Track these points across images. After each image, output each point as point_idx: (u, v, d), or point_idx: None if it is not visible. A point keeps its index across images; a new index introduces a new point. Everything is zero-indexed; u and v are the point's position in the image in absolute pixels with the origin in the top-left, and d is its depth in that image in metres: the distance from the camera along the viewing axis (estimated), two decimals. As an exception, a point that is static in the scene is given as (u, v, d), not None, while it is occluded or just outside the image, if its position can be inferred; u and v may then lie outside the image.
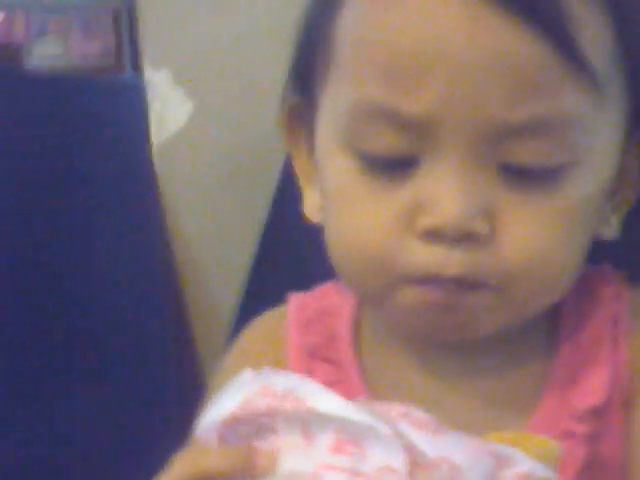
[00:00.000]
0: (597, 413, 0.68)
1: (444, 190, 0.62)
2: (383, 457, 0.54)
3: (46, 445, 1.02)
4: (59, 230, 1.04)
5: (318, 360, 0.73)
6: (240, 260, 0.97)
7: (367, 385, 0.72)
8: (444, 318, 0.66)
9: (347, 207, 0.66)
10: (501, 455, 0.55)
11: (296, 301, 0.75)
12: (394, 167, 0.63)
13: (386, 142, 0.63)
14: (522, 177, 0.63)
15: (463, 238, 0.63)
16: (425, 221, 0.62)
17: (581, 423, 0.67)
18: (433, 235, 0.62)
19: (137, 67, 1.11)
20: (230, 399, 0.59)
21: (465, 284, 0.64)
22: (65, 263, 1.04)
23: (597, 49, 0.62)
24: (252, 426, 0.58)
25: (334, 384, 0.70)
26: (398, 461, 0.54)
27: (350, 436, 0.55)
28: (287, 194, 0.87)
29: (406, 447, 0.54)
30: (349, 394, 0.66)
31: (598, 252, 0.70)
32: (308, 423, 0.57)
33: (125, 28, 2.51)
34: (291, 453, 0.56)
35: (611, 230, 0.69)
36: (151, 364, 1.03)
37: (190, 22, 1.03)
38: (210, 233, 1.04)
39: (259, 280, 0.94)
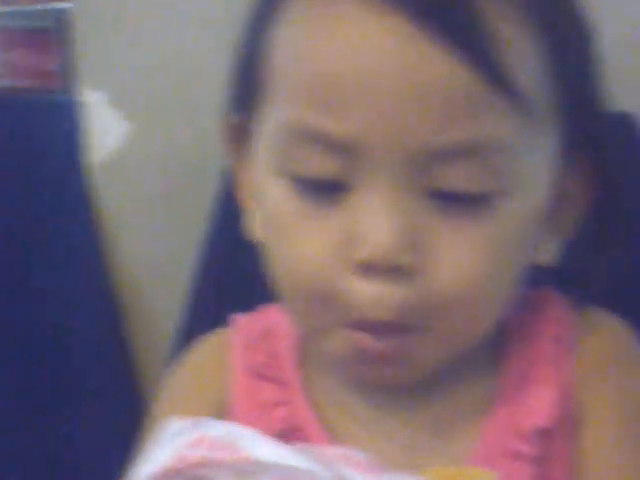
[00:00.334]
0: (544, 434, 0.68)
1: (373, 221, 0.61)
2: None
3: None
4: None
5: (263, 380, 0.73)
6: (180, 280, 0.96)
7: (312, 405, 0.72)
8: (377, 368, 0.66)
9: (284, 235, 0.65)
10: None
11: (239, 323, 0.75)
12: (327, 192, 0.63)
13: (317, 166, 0.62)
14: (452, 204, 0.62)
15: (394, 270, 0.61)
16: (357, 253, 0.61)
17: (527, 444, 0.68)
18: (365, 269, 0.61)
19: (74, 87, 1.09)
20: (163, 450, 0.58)
21: (398, 323, 0.63)
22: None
23: (528, 75, 0.62)
24: (187, 478, 0.56)
25: (280, 404, 0.71)
26: None
27: None
28: (226, 213, 0.88)
29: None
30: (295, 414, 0.71)
31: (544, 274, 0.70)
32: (245, 472, 0.56)
33: (63, 47, 2.47)
34: None
35: (548, 256, 0.70)
36: (95, 389, 1.03)
37: (127, 43, 1.03)
38: (149, 253, 1.03)
39: (199, 301, 0.93)
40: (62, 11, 1.40)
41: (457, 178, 0.61)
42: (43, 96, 2.46)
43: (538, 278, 0.70)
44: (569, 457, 0.68)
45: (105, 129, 1.03)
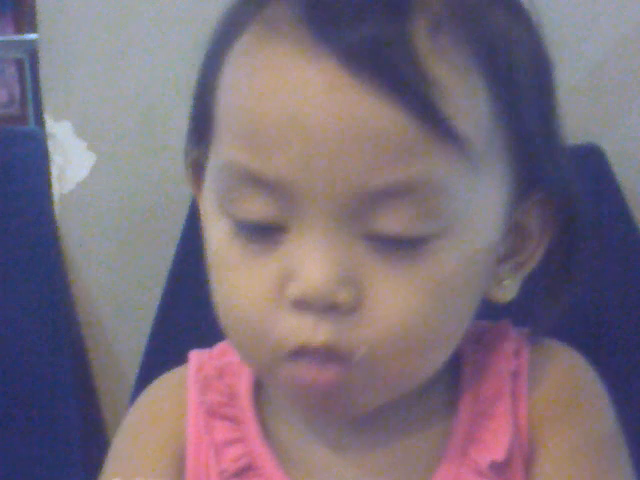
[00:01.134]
0: (499, 469, 0.68)
1: (308, 259, 0.61)
2: None
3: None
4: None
5: (217, 418, 0.72)
6: (144, 313, 0.96)
7: (268, 443, 0.71)
8: (319, 399, 0.65)
9: (223, 274, 0.66)
10: None
11: (196, 359, 0.74)
12: (265, 234, 0.63)
13: (255, 207, 0.62)
14: (389, 245, 0.62)
15: (328, 308, 0.61)
16: (291, 291, 0.61)
17: (484, 479, 0.68)
18: (301, 305, 0.61)
19: (40, 118, 1.10)
20: None
21: (333, 356, 0.62)
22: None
23: (469, 119, 0.62)
24: None
25: (234, 442, 0.71)
26: None
27: None
28: (190, 246, 0.87)
29: None
30: (250, 452, 0.70)
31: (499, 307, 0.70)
32: None
33: (29, 78, 2.49)
34: None
35: (506, 293, 0.69)
36: (54, 424, 1.01)
37: (91, 74, 1.03)
38: (113, 285, 1.03)
39: (162, 335, 0.93)
40: (33, 42, 1.44)
41: (392, 220, 0.61)
42: (10, 126, 2.46)
43: (493, 311, 0.69)
44: None
45: (70, 160, 1.03)
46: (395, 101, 0.58)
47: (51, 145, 1.04)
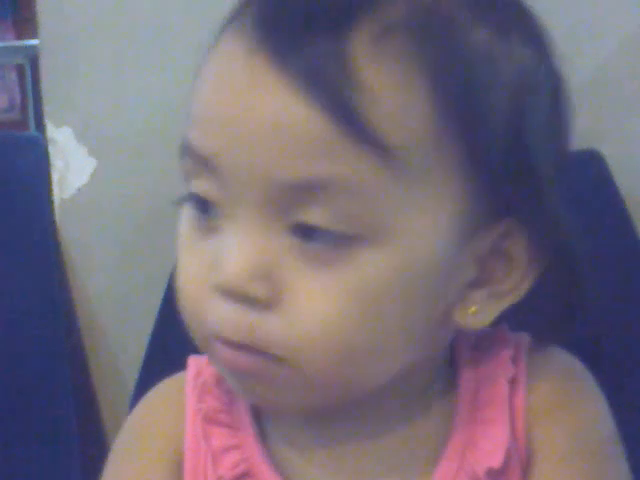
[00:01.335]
0: (496, 476, 0.68)
1: (229, 248, 0.63)
2: None
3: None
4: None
5: (214, 425, 0.72)
6: (145, 318, 0.96)
7: (266, 449, 0.71)
8: (247, 383, 0.67)
9: (179, 254, 0.68)
10: None
11: (195, 365, 0.74)
12: (210, 218, 0.65)
13: (200, 182, 0.65)
14: (313, 246, 0.62)
15: (244, 301, 0.63)
16: (212, 279, 0.64)
17: None
18: (221, 293, 0.63)
19: (41, 124, 1.11)
20: None
21: (253, 349, 0.64)
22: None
23: (402, 129, 0.61)
24: None
25: (232, 448, 0.71)
26: None
27: None
28: None
29: None
30: (247, 458, 0.70)
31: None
32: None
33: (29, 84, 2.49)
34: None
35: (475, 320, 0.68)
36: (54, 427, 1.01)
37: (92, 80, 1.03)
38: (113, 290, 1.03)
39: (162, 339, 0.93)
40: (34, 48, 1.44)
41: (312, 215, 0.62)
42: (10, 132, 2.45)
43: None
44: None
45: (71, 165, 1.04)
46: (312, 99, 0.59)
47: (52, 150, 1.04)
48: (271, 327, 0.63)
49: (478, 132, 0.64)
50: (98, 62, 1.02)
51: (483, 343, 0.72)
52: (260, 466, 0.70)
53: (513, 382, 0.70)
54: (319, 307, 0.62)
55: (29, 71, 2.43)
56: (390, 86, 0.61)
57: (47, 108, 1.04)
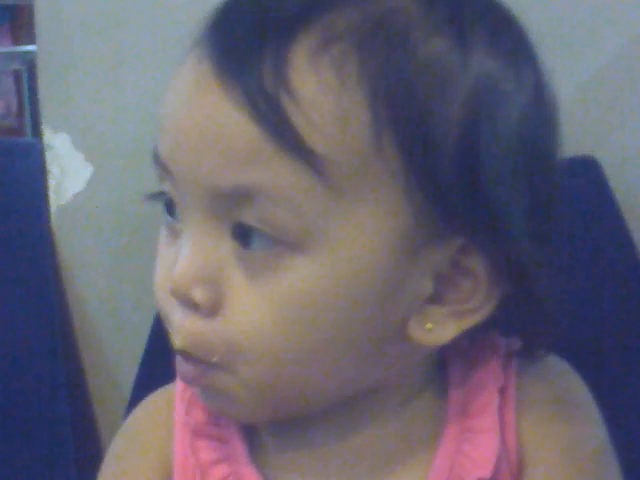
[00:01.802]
0: None
1: (181, 253, 0.65)
2: None
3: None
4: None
5: (202, 438, 0.73)
6: (141, 323, 0.96)
7: (254, 461, 0.72)
8: (203, 394, 0.69)
9: (156, 259, 0.71)
10: None
11: None
12: (177, 220, 0.67)
13: (165, 185, 0.67)
14: (252, 252, 0.64)
15: (188, 305, 0.64)
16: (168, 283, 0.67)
17: None
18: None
19: (37, 130, 1.11)
20: None
21: (198, 360, 0.65)
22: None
23: (334, 141, 0.62)
24: None
25: (219, 462, 0.72)
26: None
27: None
28: None
29: None
30: (235, 471, 0.71)
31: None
32: None
33: (26, 90, 2.50)
34: None
35: (431, 337, 0.67)
36: (50, 428, 1.01)
37: (90, 86, 1.04)
38: (108, 296, 1.04)
39: (158, 345, 0.89)
40: (31, 53, 1.44)
41: (248, 217, 0.63)
42: (7, 138, 2.46)
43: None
44: None
45: (67, 171, 1.04)
46: (245, 108, 0.61)
47: (48, 157, 1.05)
48: (212, 333, 0.64)
49: (422, 147, 0.63)
50: (95, 68, 1.03)
51: (473, 351, 0.72)
52: (250, 477, 0.71)
53: (503, 391, 0.70)
54: (252, 314, 0.63)
55: (26, 77, 2.44)
56: (324, 96, 0.61)
57: (44, 114, 1.05)
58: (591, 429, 0.72)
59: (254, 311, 0.63)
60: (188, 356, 0.65)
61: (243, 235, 0.63)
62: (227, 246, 0.64)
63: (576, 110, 1.00)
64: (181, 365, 0.67)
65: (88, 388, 1.09)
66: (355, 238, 0.63)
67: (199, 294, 0.63)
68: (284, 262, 0.63)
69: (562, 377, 0.73)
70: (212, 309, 0.64)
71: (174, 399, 0.75)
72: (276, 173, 0.61)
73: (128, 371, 0.99)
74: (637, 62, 1.02)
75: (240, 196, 0.62)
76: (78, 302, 1.07)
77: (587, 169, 0.99)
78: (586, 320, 0.88)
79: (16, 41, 3.14)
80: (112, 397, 1.07)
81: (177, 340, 0.66)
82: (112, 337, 1.07)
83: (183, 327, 0.65)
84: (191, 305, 0.64)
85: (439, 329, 0.66)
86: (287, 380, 0.65)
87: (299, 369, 0.65)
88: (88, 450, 0.99)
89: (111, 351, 1.07)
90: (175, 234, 0.67)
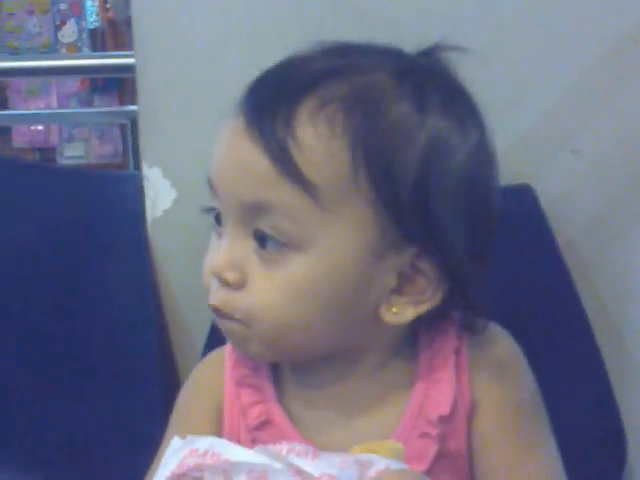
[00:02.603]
0: (445, 420, 0.72)
1: (220, 248, 0.70)
2: None
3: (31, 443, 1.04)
4: (80, 279, 1.10)
5: (244, 387, 0.76)
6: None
7: (282, 404, 0.76)
8: (231, 341, 0.74)
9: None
10: (363, 461, 0.60)
11: None
12: (221, 226, 0.71)
13: (215, 202, 0.71)
14: (266, 249, 0.68)
15: (223, 283, 0.69)
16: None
17: (434, 427, 0.72)
18: (214, 277, 0.69)
19: (137, 165, 1.12)
20: (169, 462, 0.63)
21: (222, 314, 0.70)
22: (83, 306, 1.09)
23: (322, 172, 0.65)
24: (188, 479, 0.62)
25: (256, 404, 0.75)
26: None
27: (257, 473, 0.60)
28: None
29: (297, 472, 0.60)
30: (268, 411, 0.74)
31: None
32: (226, 470, 0.61)
33: (130, 137, 2.53)
34: None
35: (396, 318, 0.70)
36: (140, 380, 1.06)
37: (173, 135, 1.09)
38: (194, 290, 0.93)
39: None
40: (133, 112, 1.46)
41: (263, 225, 0.68)
42: (116, 171, 2.49)
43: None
44: (462, 435, 0.73)
45: (159, 194, 1.10)
46: (263, 148, 0.66)
47: (146, 184, 1.10)
48: (237, 302, 0.69)
49: (387, 182, 0.66)
50: (177, 122, 1.08)
51: (435, 323, 0.75)
52: (278, 417, 0.75)
53: (458, 351, 0.74)
54: (265, 293, 0.68)
55: (129, 129, 2.41)
56: (319, 142, 0.65)
57: (143, 154, 1.09)
58: (526, 377, 0.76)
59: (266, 291, 0.68)
60: (218, 311, 0.71)
61: (260, 238, 0.67)
62: (250, 245, 0.68)
63: (519, 145, 1.01)
64: (219, 321, 0.72)
65: (173, 350, 1.12)
66: (337, 244, 0.67)
67: (230, 275, 0.69)
68: (288, 258, 0.67)
69: (502, 340, 0.77)
70: (238, 287, 0.69)
71: (224, 358, 0.79)
72: (283, 195, 0.66)
73: (202, 339, 1.02)
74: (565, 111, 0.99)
75: (259, 209, 0.67)
76: (168, 293, 1.12)
77: (523, 195, 0.99)
78: (508, 304, 0.87)
79: (122, 102, 3.22)
80: (190, 356, 1.10)
81: (212, 301, 0.71)
82: (192, 313, 1.11)
83: (217, 294, 0.70)
84: (224, 282, 0.69)
85: (402, 313, 0.70)
86: (286, 337, 0.69)
87: (295, 331, 0.69)
88: (169, 386, 0.98)
89: (188, 320, 1.11)
90: (220, 236, 0.71)
